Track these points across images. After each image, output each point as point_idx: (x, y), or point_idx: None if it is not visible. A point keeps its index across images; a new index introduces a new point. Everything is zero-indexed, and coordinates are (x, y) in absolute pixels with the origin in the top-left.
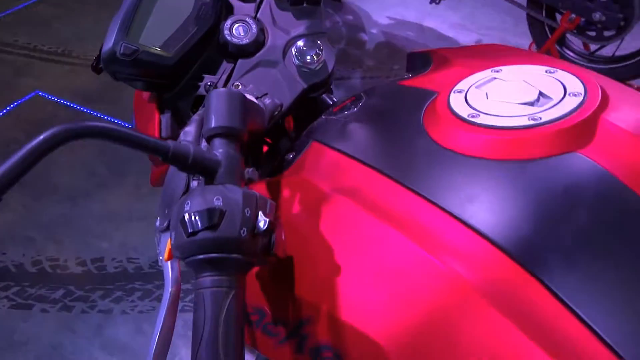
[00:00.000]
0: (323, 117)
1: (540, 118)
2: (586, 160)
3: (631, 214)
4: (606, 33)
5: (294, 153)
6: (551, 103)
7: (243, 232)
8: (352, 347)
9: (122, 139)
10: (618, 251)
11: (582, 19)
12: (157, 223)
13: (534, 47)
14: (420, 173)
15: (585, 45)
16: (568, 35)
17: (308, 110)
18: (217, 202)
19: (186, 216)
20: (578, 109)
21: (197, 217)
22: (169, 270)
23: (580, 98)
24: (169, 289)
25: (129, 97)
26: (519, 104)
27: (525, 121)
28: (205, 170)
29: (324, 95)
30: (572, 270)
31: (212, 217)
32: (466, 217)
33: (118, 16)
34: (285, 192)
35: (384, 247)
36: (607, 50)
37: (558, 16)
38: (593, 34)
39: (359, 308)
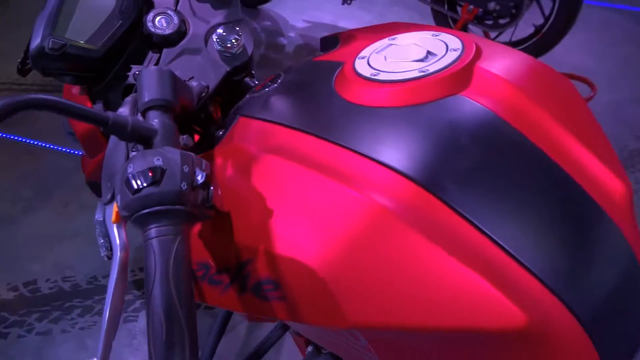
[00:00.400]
0: (247, 96)
1: (428, 70)
2: (467, 100)
3: (506, 140)
4: (501, 21)
5: (223, 130)
6: (436, 58)
7: (183, 186)
8: (288, 276)
9: (66, 111)
10: (502, 172)
11: (480, 10)
12: (102, 199)
13: None
14: (335, 126)
15: (486, 34)
16: (470, 26)
17: (234, 93)
18: (158, 162)
19: (130, 177)
20: (457, 60)
21: (140, 176)
22: (116, 236)
23: (459, 52)
24: (117, 254)
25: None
26: (411, 61)
27: (416, 74)
28: (143, 138)
29: (246, 79)
30: (471, 191)
31: (155, 174)
32: (377, 155)
33: (43, 14)
34: (219, 160)
35: (309, 189)
36: (505, 37)
37: (459, 8)
38: (490, 22)
39: (291, 243)
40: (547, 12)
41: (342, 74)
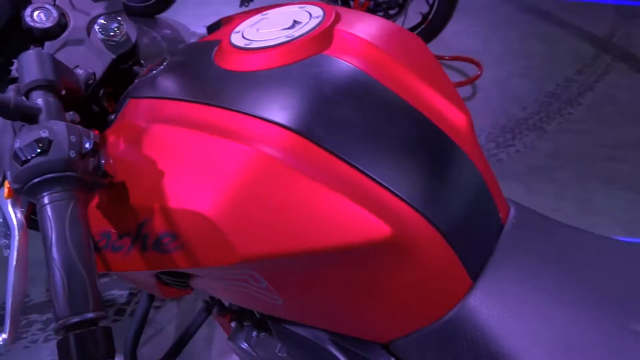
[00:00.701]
0: (136, 81)
1: (294, 35)
2: (329, 57)
3: (365, 88)
4: (391, 12)
5: (114, 114)
6: (301, 25)
7: (72, 154)
8: (184, 225)
9: None
10: (365, 114)
11: (371, 2)
12: None
13: None
14: (216, 92)
15: None
16: None
17: (124, 82)
18: (44, 134)
19: (17, 150)
20: (319, 25)
21: (27, 148)
22: (12, 215)
23: (320, 19)
24: (15, 233)
25: None
26: (279, 30)
27: (283, 39)
28: (27, 116)
29: (135, 67)
30: (340, 133)
31: (42, 144)
32: (259, 113)
33: None
34: (111, 138)
35: (197, 148)
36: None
37: (351, 3)
38: (382, 14)
39: (184, 196)
40: (430, 1)
41: (220, 48)
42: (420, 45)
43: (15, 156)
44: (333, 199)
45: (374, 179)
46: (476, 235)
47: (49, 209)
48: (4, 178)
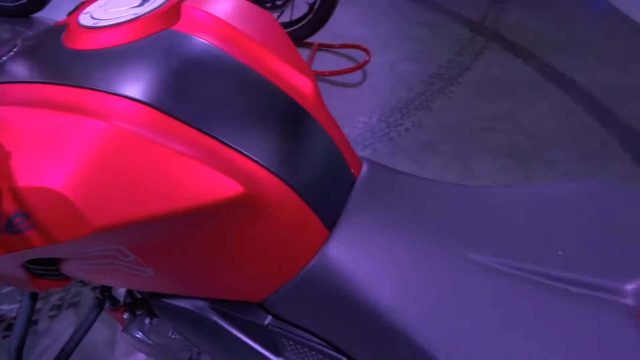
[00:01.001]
0: None
1: (142, 12)
2: (177, 32)
3: (213, 59)
4: (278, 2)
5: None
6: (149, 3)
7: None
8: (35, 203)
9: None
10: (216, 84)
11: None
12: None
13: None
14: (64, 71)
15: None
16: None
17: None
18: None
19: None
20: (166, 2)
21: None
22: None
23: None
24: None
25: None
26: (128, 8)
27: (131, 16)
28: None
29: None
30: (191, 103)
31: None
32: (106, 87)
33: None
34: None
35: (45, 125)
36: (286, 17)
37: None
38: (269, 5)
39: (34, 174)
40: None
41: (68, 30)
42: (268, 19)
43: None
44: (185, 163)
45: (226, 144)
46: (329, 190)
47: None
48: None
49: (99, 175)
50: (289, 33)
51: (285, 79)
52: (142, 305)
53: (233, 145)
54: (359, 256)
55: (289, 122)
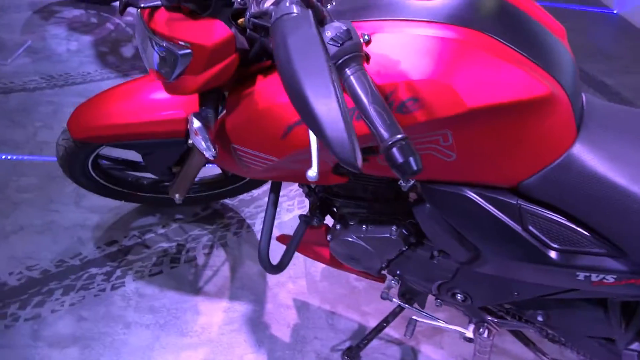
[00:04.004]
0: None
1: None
2: None
3: (510, 8)
4: None
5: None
6: None
7: (360, 39)
8: (424, 91)
9: None
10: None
11: None
12: None
13: None
14: (410, 11)
15: None
16: None
17: None
18: (345, 26)
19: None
20: None
21: (341, 35)
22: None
23: None
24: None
25: None
26: None
27: None
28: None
29: None
30: (506, 33)
31: (347, 34)
32: (459, 23)
33: None
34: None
35: (430, 44)
36: None
37: None
38: None
39: (422, 70)
40: None
41: None
42: None
43: (333, 40)
44: (507, 67)
45: (528, 58)
46: (577, 100)
47: (354, 77)
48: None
49: (461, 71)
50: None
51: (539, 15)
52: (353, 215)
53: (532, 59)
54: (603, 153)
55: (558, 46)
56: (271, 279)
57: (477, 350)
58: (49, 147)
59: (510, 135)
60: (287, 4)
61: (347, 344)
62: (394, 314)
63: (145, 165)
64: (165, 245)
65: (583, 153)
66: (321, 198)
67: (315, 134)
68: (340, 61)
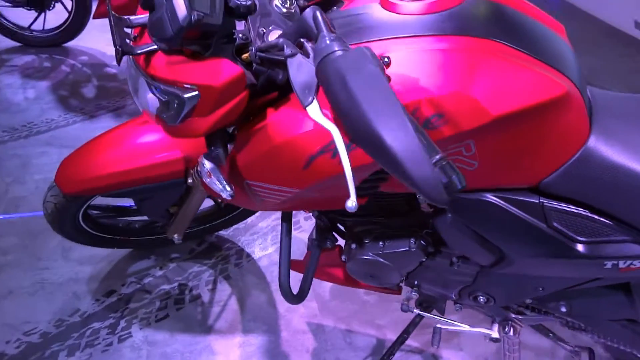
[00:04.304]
0: None
1: None
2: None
3: (507, 11)
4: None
5: None
6: None
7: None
8: (448, 105)
9: None
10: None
11: None
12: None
13: None
14: (416, 27)
15: None
16: None
17: None
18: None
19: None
20: None
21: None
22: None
23: None
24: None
25: None
26: None
27: None
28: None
29: None
30: (513, 37)
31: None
32: (468, 34)
33: None
34: None
35: (444, 58)
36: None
37: None
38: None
39: (441, 85)
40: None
41: (385, 3)
42: None
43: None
44: (523, 70)
45: (540, 59)
46: (585, 94)
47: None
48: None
49: (479, 81)
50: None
51: (537, 14)
52: (368, 233)
53: (545, 60)
54: (619, 146)
55: (563, 45)
56: (281, 305)
57: (506, 349)
58: (24, 202)
59: (530, 136)
60: (328, 41)
61: None
62: (414, 324)
63: (138, 209)
64: (166, 287)
65: (599, 145)
66: (332, 219)
67: (397, 175)
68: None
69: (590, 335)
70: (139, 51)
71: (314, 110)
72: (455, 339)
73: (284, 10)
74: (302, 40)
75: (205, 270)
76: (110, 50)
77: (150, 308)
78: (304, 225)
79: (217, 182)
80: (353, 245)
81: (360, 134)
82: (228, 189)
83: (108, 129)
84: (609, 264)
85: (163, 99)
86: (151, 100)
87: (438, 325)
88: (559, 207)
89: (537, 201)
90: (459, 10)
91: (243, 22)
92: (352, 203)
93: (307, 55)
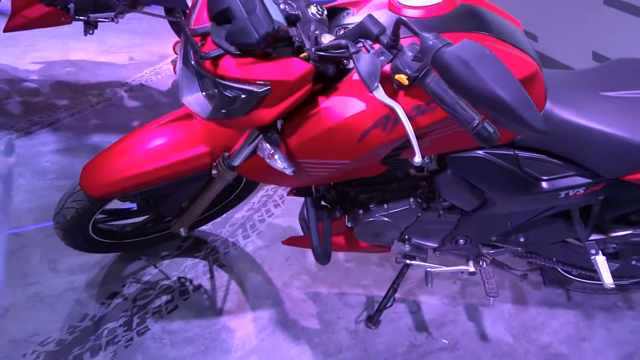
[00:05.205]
0: None
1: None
2: (466, 5)
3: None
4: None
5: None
6: None
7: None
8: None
9: None
10: (496, 19)
11: None
12: None
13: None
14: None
15: None
16: None
17: None
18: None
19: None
20: None
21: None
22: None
23: None
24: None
25: None
26: None
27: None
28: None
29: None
30: (492, 28)
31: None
32: (472, 30)
33: (254, 6)
34: None
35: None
36: None
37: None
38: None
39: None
40: None
41: (391, 5)
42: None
43: (417, 57)
44: (505, 52)
45: (511, 43)
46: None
47: (434, 83)
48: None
49: None
50: None
51: (500, 12)
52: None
53: (513, 43)
54: (567, 104)
55: (515, 31)
56: (278, 282)
57: (484, 278)
58: None
59: None
60: (432, 39)
61: (365, 314)
62: (402, 274)
63: (142, 210)
64: (167, 282)
65: (554, 108)
66: (340, 192)
67: (513, 121)
68: (423, 72)
69: (535, 259)
70: (212, 55)
71: (380, 93)
72: (427, 286)
73: (319, 17)
74: (361, 40)
75: (198, 262)
76: (24, 64)
77: (158, 302)
78: (276, 212)
79: (280, 161)
80: (360, 211)
81: (486, 100)
82: (290, 165)
83: (124, 135)
84: (562, 194)
85: (230, 96)
86: (201, 100)
87: (428, 269)
88: (528, 155)
89: (513, 153)
90: (451, 13)
91: (293, 28)
92: (418, 158)
93: (367, 51)
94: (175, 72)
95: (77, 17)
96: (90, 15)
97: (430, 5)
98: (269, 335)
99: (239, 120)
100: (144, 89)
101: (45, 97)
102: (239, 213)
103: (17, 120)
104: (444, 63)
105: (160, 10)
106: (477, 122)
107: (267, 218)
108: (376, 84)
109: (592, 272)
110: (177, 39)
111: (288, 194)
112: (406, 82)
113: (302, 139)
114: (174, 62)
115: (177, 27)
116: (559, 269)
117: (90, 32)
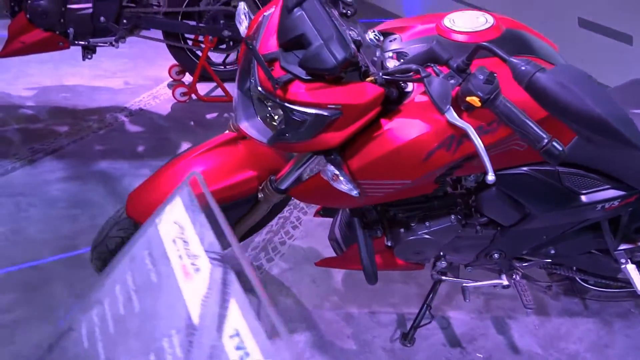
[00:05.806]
0: None
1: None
2: (511, 29)
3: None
4: (232, 43)
5: None
6: (483, 23)
7: None
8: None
9: None
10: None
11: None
12: None
13: (173, 70)
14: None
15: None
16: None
17: None
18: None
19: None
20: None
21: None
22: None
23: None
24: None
25: None
26: (472, 20)
27: (483, 27)
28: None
29: None
30: (530, 49)
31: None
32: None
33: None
34: None
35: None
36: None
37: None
38: (224, 47)
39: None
40: None
41: (440, 31)
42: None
43: (488, 80)
44: None
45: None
46: None
47: (503, 104)
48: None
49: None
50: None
51: (537, 35)
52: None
53: (554, 63)
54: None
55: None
56: (308, 304)
57: (520, 291)
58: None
59: (556, 126)
60: (524, 65)
61: (399, 332)
62: (435, 291)
63: None
64: None
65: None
66: (380, 212)
67: (611, 137)
68: (494, 94)
69: (560, 270)
70: (284, 80)
71: (451, 114)
72: (454, 301)
73: (377, 42)
74: (429, 64)
75: None
76: (17, 90)
77: None
78: (295, 233)
79: (344, 184)
80: (401, 230)
81: (587, 119)
82: (355, 187)
83: (167, 162)
84: (599, 207)
85: (299, 120)
86: (260, 124)
87: (464, 285)
88: (567, 171)
89: (554, 169)
90: (500, 38)
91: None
92: (491, 177)
93: (436, 74)
94: (174, 97)
95: (76, 42)
96: (91, 39)
97: (479, 31)
98: (309, 358)
99: (304, 144)
100: (144, 113)
101: (44, 124)
102: (259, 237)
103: (18, 148)
104: (541, 87)
105: (158, 34)
106: (546, 140)
107: (288, 240)
108: (448, 106)
109: (611, 280)
110: (173, 62)
111: (315, 215)
112: (478, 104)
113: (365, 161)
114: (170, 86)
115: (176, 51)
116: (577, 279)
117: (89, 56)
